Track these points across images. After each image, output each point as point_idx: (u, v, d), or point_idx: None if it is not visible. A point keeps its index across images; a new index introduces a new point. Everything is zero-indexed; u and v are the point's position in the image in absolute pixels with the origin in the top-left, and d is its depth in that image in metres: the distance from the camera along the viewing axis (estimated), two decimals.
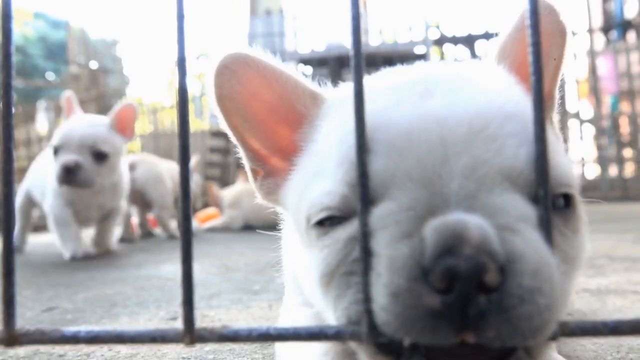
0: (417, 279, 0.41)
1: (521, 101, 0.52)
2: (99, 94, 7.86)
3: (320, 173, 0.56)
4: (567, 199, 0.52)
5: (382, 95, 0.54)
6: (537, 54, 0.47)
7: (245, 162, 0.71)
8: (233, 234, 4.21)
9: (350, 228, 0.51)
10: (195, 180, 4.80)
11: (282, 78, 0.65)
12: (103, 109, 7.93)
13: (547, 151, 0.46)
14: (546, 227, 0.46)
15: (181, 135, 0.49)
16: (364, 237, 0.46)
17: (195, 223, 4.58)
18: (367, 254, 0.46)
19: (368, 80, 0.60)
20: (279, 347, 0.74)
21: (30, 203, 3.19)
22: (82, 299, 1.58)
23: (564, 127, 7.20)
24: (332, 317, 0.52)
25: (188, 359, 0.92)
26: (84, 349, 1.01)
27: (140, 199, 3.94)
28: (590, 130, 7.15)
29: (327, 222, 0.53)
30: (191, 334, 0.48)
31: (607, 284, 1.47)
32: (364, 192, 0.46)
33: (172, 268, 2.21)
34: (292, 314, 0.74)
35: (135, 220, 3.99)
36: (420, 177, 0.47)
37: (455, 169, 0.46)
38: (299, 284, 0.66)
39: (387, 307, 0.42)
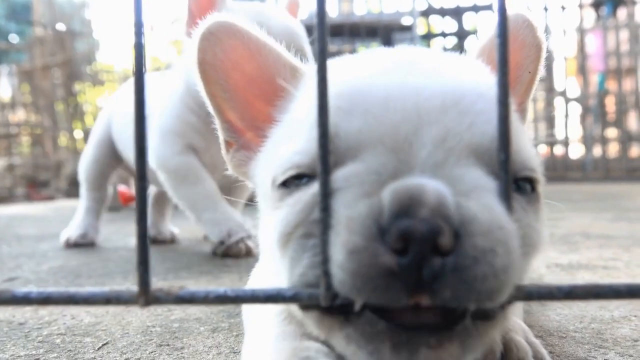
0: (374, 238, 0.43)
1: (493, 87, 0.54)
2: (66, 58, 7.64)
3: (292, 138, 0.57)
4: (532, 185, 0.55)
5: (365, 67, 0.57)
6: (504, 31, 0.48)
7: (219, 132, 0.72)
8: None
9: (314, 188, 0.52)
10: None
11: (265, 50, 0.66)
12: (71, 76, 7.74)
13: (509, 116, 0.48)
14: (505, 193, 0.48)
15: (137, 91, 0.49)
16: (324, 198, 0.47)
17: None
18: (326, 214, 0.47)
19: (353, 56, 0.63)
20: (245, 311, 0.76)
21: None
22: (46, 269, 1.58)
23: (549, 105, 7.32)
24: (288, 283, 0.53)
25: (153, 327, 0.93)
26: (45, 317, 1.01)
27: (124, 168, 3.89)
28: (576, 109, 7.26)
29: (294, 184, 0.54)
30: (146, 295, 0.49)
31: (578, 260, 1.52)
32: (324, 154, 0.47)
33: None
34: (258, 280, 0.76)
35: (122, 188, 3.95)
36: (392, 143, 0.49)
37: (427, 137, 0.48)
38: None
39: (344, 265, 0.43)
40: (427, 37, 7.26)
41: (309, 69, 0.67)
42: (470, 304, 0.44)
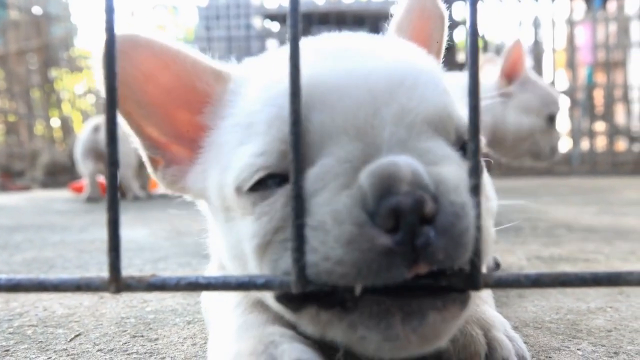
0: (365, 224, 0.45)
1: (426, 59, 0.61)
2: (42, 43, 7.53)
3: (245, 141, 0.57)
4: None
5: (308, 58, 0.56)
6: (474, 21, 0.49)
7: (141, 151, 0.70)
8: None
9: (288, 189, 0.52)
10: None
11: (179, 58, 0.65)
12: (47, 61, 7.62)
13: (479, 105, 0.50)
14: (474, 172, 0.50)
15: (107, 77, 0.49)
16: (296, 185, 0.48)
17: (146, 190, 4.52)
18: (298, 202, 0.48)
19: (283, 48, 0.64)
20: (204, 300, 0.77)
21: None
22: (19, 261, 1.57)
23: None
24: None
25: (127, 318, 0.94)
26: (17, 309, 1.02)
27: (103, 157, 3.89)
28: (564, 102, 7.35)
29: (262, 187, 0.55)
30: (117, 282, 0.50)
31: (560, 253, 1.55)
32: (296, 141, 0.48)
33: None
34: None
35: (102, 179, 3.94)
36: (354, 130, 0.51)
37: (386, 117, 0.51)
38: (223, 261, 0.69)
39: (344, 258, 0.45)
40: None
41: (236, 70, 0.66)
42: (462, 258, 0.46)
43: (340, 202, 0.47)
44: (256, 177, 0.55)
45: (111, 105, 0.49)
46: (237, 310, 0.63)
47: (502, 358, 0.60)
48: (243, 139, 0.58)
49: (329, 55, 0.57)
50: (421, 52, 0.64)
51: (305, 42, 0.63)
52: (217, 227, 0.65)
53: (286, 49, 0.49)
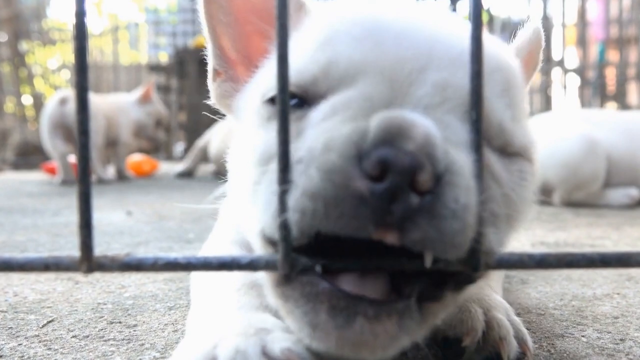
0: (351, 160, 0.43)
1: (509, 60, 0.60)
2: (12, 14, 7.41)
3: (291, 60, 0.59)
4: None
5: (380, 4, 0.59)
6: None
7: (209, 59, 0.74)
8: (171, 182, 4.18)
9: (308, 112, 0.52)
10: (151, 112, 4.50)
11: None
12: (17, 33, 7.51)
13: (482, 71, 0.49)
14: (477, 150, 0.49)
15: (77, 37, 0.48)
16: (282, 172, 0.48)
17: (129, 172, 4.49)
18: (285, 175, 0.48)
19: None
20: (194, 280, 0.77)
21: None
22: None
23: (546, 77, 7.40)
24: (257, 227, 0.53)
25: (104, 304, 0.94)
26: None
27: (73, 135, 3.83)
28: (575, 80, 7.35)
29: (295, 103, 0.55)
30: (89, 261, 0.49)
31: (565, 238, 1.56)
32: (283, 109, 0.47)
33: (96, 215, 2.19)
34: (214, 247, 0.78)
35: (73, 160, 3.86)
36: (392, 75, 0.51)
37: (429, 78, 0.51)
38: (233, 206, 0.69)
39: (318, 188, 0.43)
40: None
41: (317, 5, 0.67)
42: (436, 252, 0.45)
43: (340, 132, 0.46)
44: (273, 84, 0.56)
45: (81, 70, 0.48)
46: (234, 289, 0.64)
47: (499, 337, 0.60)
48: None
49: (403, 7, 0.59)
50: (510, 56, 0.63)
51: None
52: (241, 139, 0.64)
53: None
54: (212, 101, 0.75)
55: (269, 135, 0.54)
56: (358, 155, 0.43)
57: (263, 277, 0.55)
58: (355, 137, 0.44)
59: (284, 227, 0.48)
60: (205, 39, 0.73)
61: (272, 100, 0.56)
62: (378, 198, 0.42)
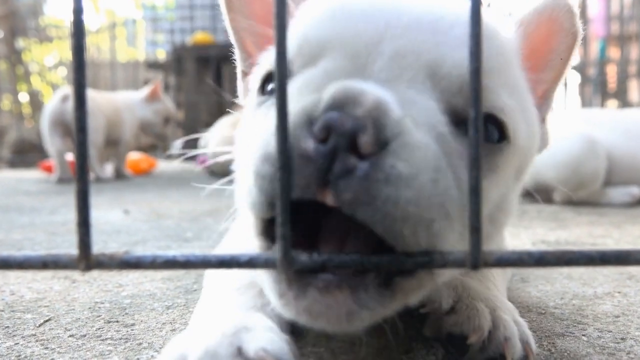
0: (303, 125, 0.46)
1: (487, 23, 0.56)
2: (9, 11, 7.40)
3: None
4: (501, 133, 0.56)
5: None
6: None
7: (237, 62, 0.80)
8: (169, 180, 4.18)
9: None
10: (160, 110, 4.49)
11: None
12: (14, 30, 7.49)
13: (480, 67, 0.49)
14: (475, 146, 0.49)
15: (75, 34, 0.48)
16: (282, 160, 0.48)
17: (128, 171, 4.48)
18: (285, 171, 0.48)
19: None
20: (207, 277, 0.78)
21: None
22: None
23: None
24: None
25: (102, 303, 0.94)
26: None
27: (72, 133, 3.82)
28: (575, 78, 7.35)
29: (271, 88, 0.60)
30: (87, 259, 0.50)
31: (566, 237, 1.57)
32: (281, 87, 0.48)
33: (94, 214, 2.19)
34: (232, 243, 0.79)
35: (71, 158, 3.86)
36: (351, 50, 0.52)
37: (386, 49, 0.52)
38: None
39: (272, 150, 0.46)
40: None
41: None
42: (364, 218, 0.45)
43: (299, 104, 0.48)
44: (266, 70, 0.60)
45: (79, 67, 0.48)
46: (234, 287, 0.65)
47: (504, 337, 0.60)
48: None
49: None
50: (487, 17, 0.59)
51: None
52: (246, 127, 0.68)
53: None
54: (239, 99, 0.80)
55: (256, 121, 0.58)
56: (309, 121, 0.46)
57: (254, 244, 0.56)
58: (309, 108, 0.47)
59: (284, 224, 0.48)
60: (204, 36, 0.79)
61: (260, 89, 0.61)
62: (321, 157, 0.45)
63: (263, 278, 0.54)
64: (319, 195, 0.46)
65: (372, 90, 0.46)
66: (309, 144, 0.45)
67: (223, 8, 0.76)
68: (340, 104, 0.45)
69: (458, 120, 0.53)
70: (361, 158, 0.45)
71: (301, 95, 0.50)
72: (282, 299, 0.50)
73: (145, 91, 4.50)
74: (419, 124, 0.48)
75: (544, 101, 0.75)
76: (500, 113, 0.55)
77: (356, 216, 0.45)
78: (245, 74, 0.78)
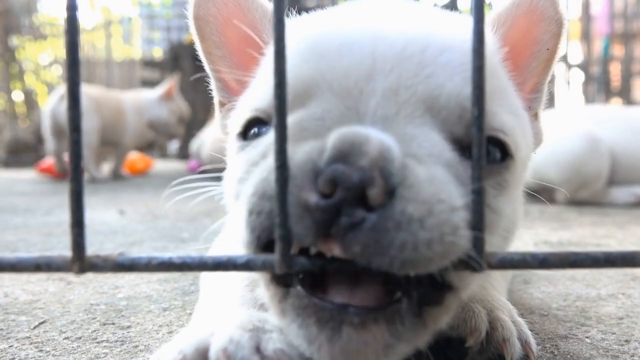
0: (307, 174, 0.45)
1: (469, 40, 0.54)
2: (3, 8, 7.39)
3: (256, 87, 0.61)
4: (503, 153, 0.56)
5: (335, 15, 0.60)
6: None
7: (214, 92, 0.77)
8: (165, 180, 4.17)
9: (270, 137, 0.54)
10: (174, 109, 4.47)
11: (254, 6, 0.70)
12: (8, 28, 7.49)
13: (484, 67, 0.49)
14: (477, 156, 0.49)
15: (69, 32, 0.48)
16: (280, 153, 0.48)
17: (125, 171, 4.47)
18: (283, 170, 0.48)
19: (333, 8, 0.65)
20: (202, 279, 0.78)
21: None
22: None
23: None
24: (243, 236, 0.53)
25: (97, 305, 0.94)
26: None
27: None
28: (578, 76, 7.34)
29: (252, 133, 0.58)
30: (81, 261, 0.49)
31: (569, 237, 1.57)
32: (281, 104, 0.47)
33: (89, 214, 2.19)
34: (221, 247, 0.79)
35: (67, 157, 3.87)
36: (340, 89, 0.51)
37: (379, 87, 0.50)
38: None
39: (271, 189, 0.46)
40: None
41: (293, 25, 0.67)
42: (380, 266, 0.45)
43: (300, 151, 0.47)
44: (247, 116, 0.58)
45: (73, 65, 0.48)
46: (241, 284, 0.66)
47: (502, 338, 0.60)
48: (257, 85, 0.62)
49: (359, 15, 0.58)
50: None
51: (354, 4, 0.63)
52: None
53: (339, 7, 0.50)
54: (219, 132, 0.78)
55: (239, 165, 0.57)
56: (313, 173, 0.45)
57: (262, 292, 0.56)
58: (313, 157, 0.46)
59: (282, 226, 0.48)
60: (209, 74, 0.77)
61: (242, 134, 0.59)
62: (321, 211, 0.44)
63: (279, 321, 0.52)
64: (320, 246, 0.45)
65: (375, 136, 0.45)
66: (311, 197, 0.44)
67: (195, 37, 0.73)
68: (345, 154, 0.44)
69: (462, 147, 0.52)
70: (368, 209, 0.44)
71: (297, 141, 0.48)
72: (313, 345, 0.47)
73: (160, 90, 4.48)
74: (422, 158, 0.47)
75: (534, 95, 0.73)
76: (500, 133, 0.55)
77: (371, 266, 0.44)
78: (222, 104, 0.76)
